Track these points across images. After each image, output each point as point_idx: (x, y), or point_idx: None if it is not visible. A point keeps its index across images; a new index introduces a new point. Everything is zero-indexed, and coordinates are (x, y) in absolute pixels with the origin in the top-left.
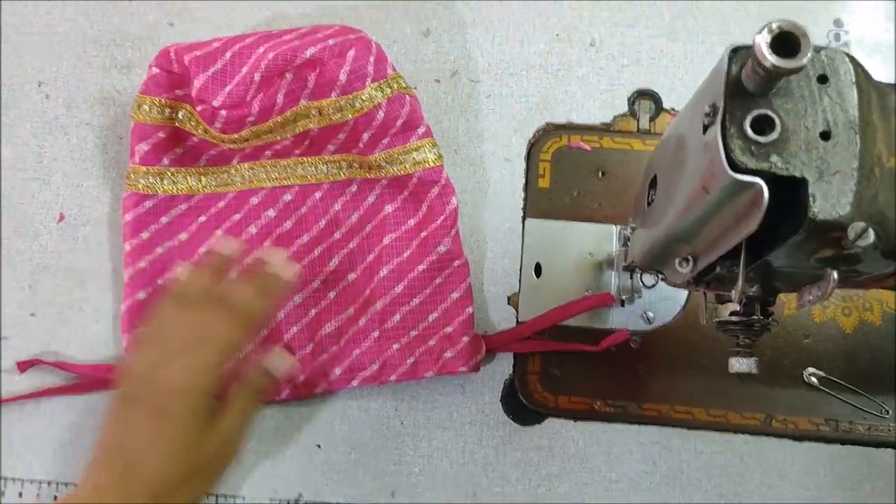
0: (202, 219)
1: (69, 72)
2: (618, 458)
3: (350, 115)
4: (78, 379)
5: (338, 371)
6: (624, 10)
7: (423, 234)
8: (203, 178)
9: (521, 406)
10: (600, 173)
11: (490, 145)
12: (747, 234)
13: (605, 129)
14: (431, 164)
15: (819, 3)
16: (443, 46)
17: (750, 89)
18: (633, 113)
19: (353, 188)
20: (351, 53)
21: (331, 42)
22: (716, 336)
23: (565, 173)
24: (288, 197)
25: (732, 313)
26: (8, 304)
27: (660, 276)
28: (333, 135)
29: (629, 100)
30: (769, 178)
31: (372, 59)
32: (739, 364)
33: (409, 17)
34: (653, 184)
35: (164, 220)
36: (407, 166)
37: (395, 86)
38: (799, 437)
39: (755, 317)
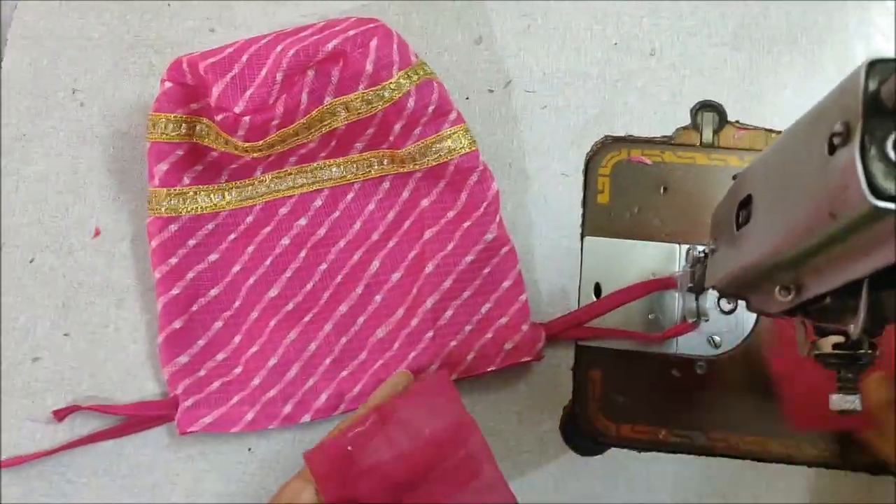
0: (231, 237)
1: (105, 79)
2: (684, 491)
3: (379, 107)
4: (123, 420)
5: None
6: (685, 17)
7: (466, 223)
8: (227, 194)
9: (582, 435)
10: (662, 189)
11: (546, 159)
12: (882, 267)
13: (666, 143)
14: (466, 150)
15: (887, 17)
16: (495, 55)
17: (891, 107)
18: (695, 126)
19: (386, 185)
20: (374, 43)
21: (352, 33)
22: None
23: (625, 189)
24: (318, 202)
25: (836, 346)
26: (41, 324)
27: (740, 301)
28: (361, 131)
29: (692, 112)
30: None
31: (395, 46)
32: (843, 402)
33: (460, 24)
34: (744, 204)
35: (191, 242)
36: (441, 155)
37: (422, 72)
38: (876, 471)
39: (863, 350)
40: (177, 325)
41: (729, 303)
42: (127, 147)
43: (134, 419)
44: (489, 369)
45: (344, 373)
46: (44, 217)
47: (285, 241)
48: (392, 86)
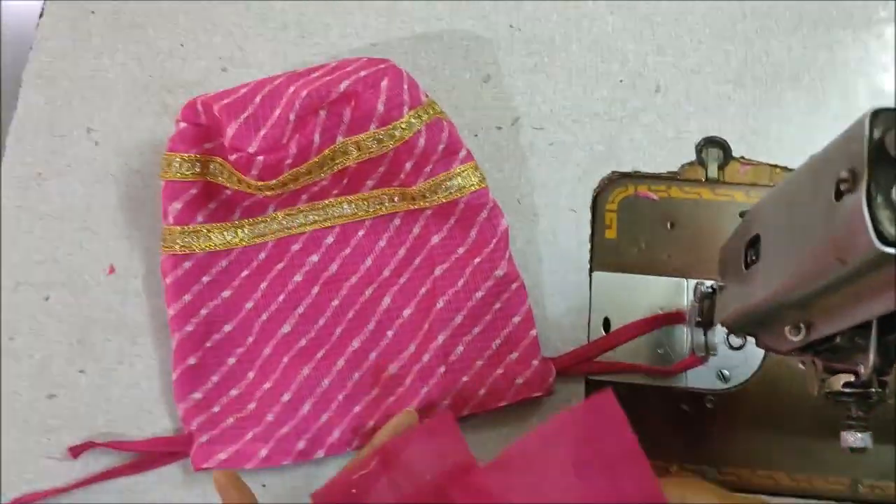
0: (244, 273)
1: (119, 118)
2: None
3: (390, 146)
4: (138, 456)
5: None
6: (688, 55)
7: (477, 260)
8: (239, 232)
9: None
10: (669, 224)
11: (554, 195)
12: (889, 310)
13: (672, 178)
14: (476, 188)
15: (888, 54)
16: (503, 93)
17: (894, 156)
18: (701, 161)
19: (397, 222)
20: (385, 83)
21: (363, 73)
22: (797, 396)
23: (633, 224)
24: (330, 239)
25: (846, 384)
26: (56, 361)
27: (749, 337)
28: (373, 170)
29: (697, 148)
30: None
31: (406, 86)
32: (854, 439)
33: (468, 63)
34: (752, 243)
35: (205, 279)
36: (452, 192)
37: (431, 111)
38: None
39: (872, 389)
40: (191, 361)
41: (738, 339)
42: (140, 185)
43: (149, 455)
44: (501, 404)
45: (357, 408)
46: (59, 254)
47: (298, 277)
48: (403, 125)
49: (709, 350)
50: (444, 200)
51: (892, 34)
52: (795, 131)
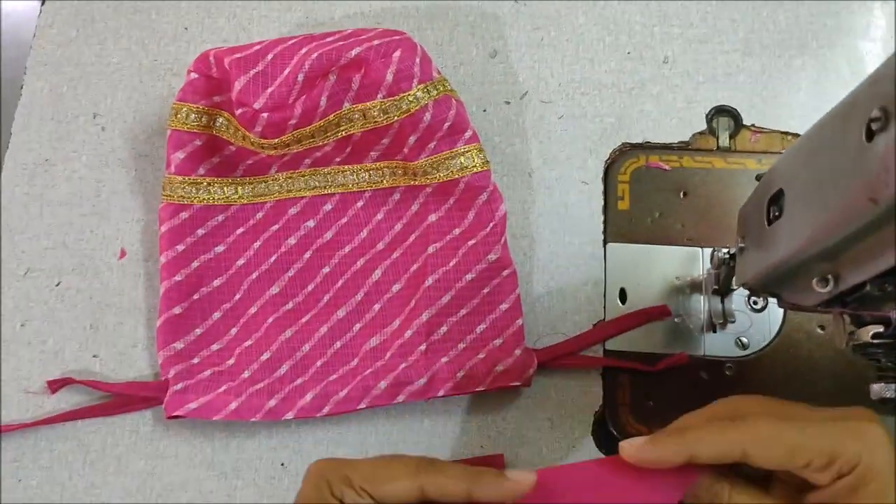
0: (240, 230)
1: (125, 103)
2: None
3: (396, 117)
4: (111, 398)
5: (382, 385)
6: (696, 25)
7: (471, 242)
8: (240, 189)
9: (614, 439)
10: (682, 193)
11: (565, 168)
12: None
13: (683, 148)
14: (479, 169)
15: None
16: (511, 67)
17: None
18: (711, 131)
19: (396, 197)
20: (397, 54)
21: (376, 42)
22: (817, 361)
23: (645, 194)
24: (328, 206)
25: (875, 335)
26: (69, 346)
27: (771, 298)
28: (376, 140)
29: (707, 117)
30: None
31: (418, 60)
32: (887, 390)
33: (475, 38)
34: (774, 200)
35: (200, 231)
36: (453, 171)
37: (441, 88)
38: None
39: None
40: (176, 311)
41: (759, 300)
42: (149, 169)
43: (123, 398)
44: (477, 389)
45: (333, 376)
46: (69, 240)
47: (292, 240)
48: (410, 98)
49: (727, 317)
50: (444, 179)
51: None
52: (805, 98)
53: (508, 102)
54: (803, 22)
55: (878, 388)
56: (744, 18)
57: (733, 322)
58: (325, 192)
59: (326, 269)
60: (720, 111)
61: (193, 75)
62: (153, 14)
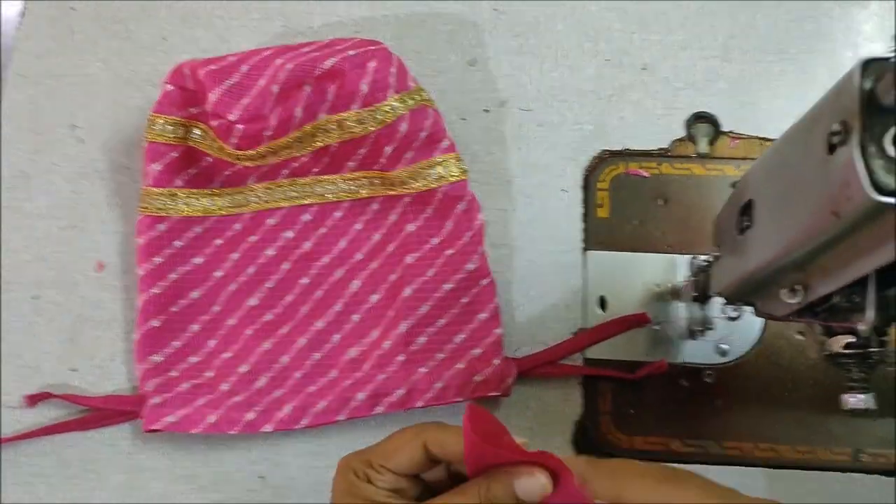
0: (218, 242)
1: (103, 115)
2: None
3: (372, 128)
4: (90, 412)
5: (361, 396)
6: (675, 31)
7: (449, 251)
8: (218, 200)
9: (595, 448)
10: (661, 200)
11: (545, 175)
12: (887, 262)
13: (663, 155)
14: (456, 178)
15: (874, 24)
16: (490, 75)
17: (887, 104)
18: (690, 137)
19: (375, 206)
20: (372, 64)
21: (351, 52)
22: (797, 368)
23: (625, 202)
24: (307, 217)
25: (846, 345)
26: (47, 359)
27: (746, 307)
28: (354, 151)
29: (686, 123)
30: None
31: (393, 70)
32: (856, 401)
33: (453, 46)
34: (745, 210)
35: (177, 243)
36: (430, 181)
37: (418, 97)
38: (890, 472)
39: (872, 349)
40: (155, 323)
41: (735, 309)
42: (127, 181)
43: (101, 412)
44: (456, 400)
45: (312, 388)
46: (47, 253)
47: (270, 251)
48: (386, 108)
49: (706, 324)
50: (422, 188)
51: (878, 4)
52: (784, 103)
53: (487, 110)
54: (782, 27)
55: (847, 399)
56: (723, 24)
57: (712, 329)
58: (304, 202)
59: (305, 281)
60: (699, 117)
61: (169, 87)
62: (131, 25)
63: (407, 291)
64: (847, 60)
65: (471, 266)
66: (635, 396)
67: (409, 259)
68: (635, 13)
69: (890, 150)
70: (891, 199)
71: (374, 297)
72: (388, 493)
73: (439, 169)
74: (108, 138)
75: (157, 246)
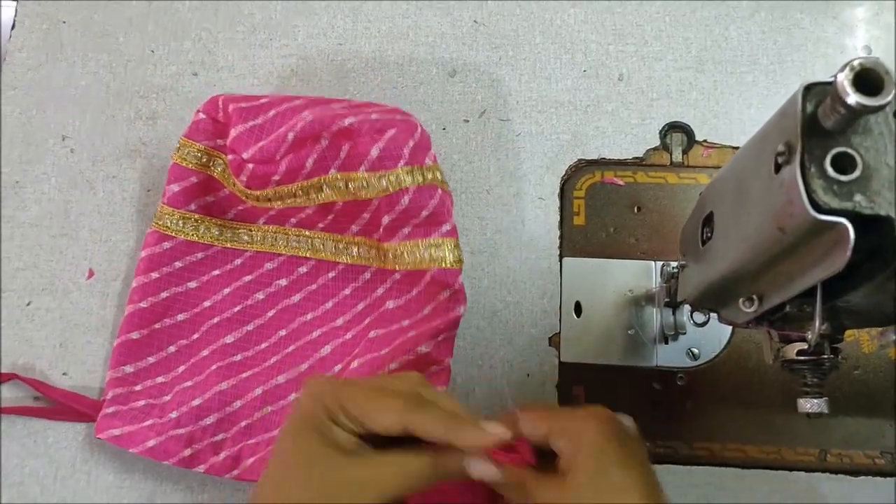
0: (215, 272)
1: (93, 125)
2: (670, 500)
3: (375, 194)
4: (52, 404)
5: None
6: (650, 43)
7: (411, 333)
8: (225, 232)
9: None
10: (636, 208)
11: (522, 184)
12: (830, 275)
13: (638, 164)
14: (449, 265)
15: (844, 35)
16: (469, 86)
17: (827, 127)
18: (665, 146)
19: (367, 276)
20: (391, 132)
21: (374, 116)
22: (765, 371)
23: (600, 210)
24: (303, 269)
25: (800, 352)
26: (39, 365)
27: (712, 313)
28: (358, 214)
29: (661, 133)
30: (852, 217)
31: (412, 143)
32: (810, 405)
33: (434, 58)
34: (707, 221)
35: (177, 264)
36: (422, 261)
37: (430, 176)
38: (855, 472)
39: (825, 356)
40: (134, 335)
41: (702, 315)
42: (117, 190)
43: (62, 406)
44: None
45: (251, 441)
46: (38, 261)
47: (260, 295)
48: (391, 177)
49: (678, 329)
50: (412, 266)
51: (848, 15)
52: (755, 113)
53: (467, 121)
54: (754, 39)
55: (803, 403)
56: (696, 36)
57: (684, 334)
58: (303, 254)
59: (283, 332)
60: (673, 127)
61: (201, 115)
62: (120, 38)
63: (354, 364)
64: (817, 71)
65: (423, 349)
66: (609, 400)
67: (372, 334)
68: (611, 26)
69: (830, 171)
70: (830, 218)
71: (337, 368)
72: (354, 441)
73: (433, 251)
74: (98, 149)
75: (158, 262)
